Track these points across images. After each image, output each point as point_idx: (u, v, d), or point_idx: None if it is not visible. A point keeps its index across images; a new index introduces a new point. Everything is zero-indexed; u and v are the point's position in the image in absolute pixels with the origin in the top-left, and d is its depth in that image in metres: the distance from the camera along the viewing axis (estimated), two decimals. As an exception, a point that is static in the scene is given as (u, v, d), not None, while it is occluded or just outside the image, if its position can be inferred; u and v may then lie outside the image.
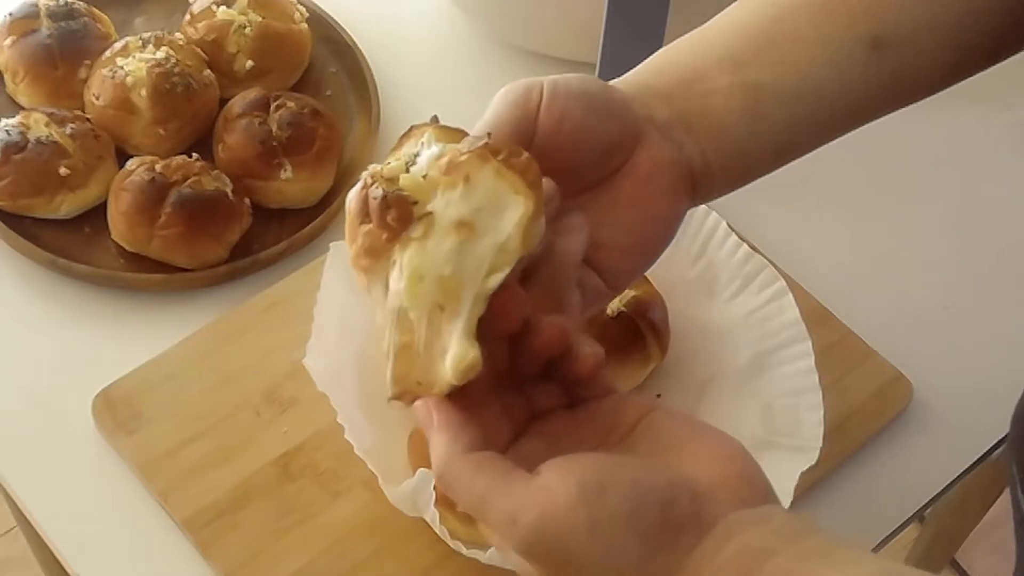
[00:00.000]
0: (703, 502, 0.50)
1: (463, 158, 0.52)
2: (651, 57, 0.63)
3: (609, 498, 0.49)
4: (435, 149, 0.53)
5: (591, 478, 0.50)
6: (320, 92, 0.99)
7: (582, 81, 0.58)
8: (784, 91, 0.61)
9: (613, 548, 0.49)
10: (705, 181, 0.61)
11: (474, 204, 0.51)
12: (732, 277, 0.85)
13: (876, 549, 0.82)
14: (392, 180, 0.53)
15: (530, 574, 0.52)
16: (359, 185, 0.54)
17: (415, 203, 0.52)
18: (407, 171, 0.53)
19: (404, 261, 0.52)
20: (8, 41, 0.95)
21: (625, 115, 0.59)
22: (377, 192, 0.52)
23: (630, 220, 0.60)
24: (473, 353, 0.51)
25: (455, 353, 0.52)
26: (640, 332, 0.82)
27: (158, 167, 0.88)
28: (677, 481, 0.51)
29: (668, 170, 0.59)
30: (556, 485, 0.50)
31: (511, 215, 0.52)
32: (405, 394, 0.54)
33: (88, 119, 0.92)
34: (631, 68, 0.87)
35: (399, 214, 0.52)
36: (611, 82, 0.60)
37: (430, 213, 0.52)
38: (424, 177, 0.52)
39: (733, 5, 0.65)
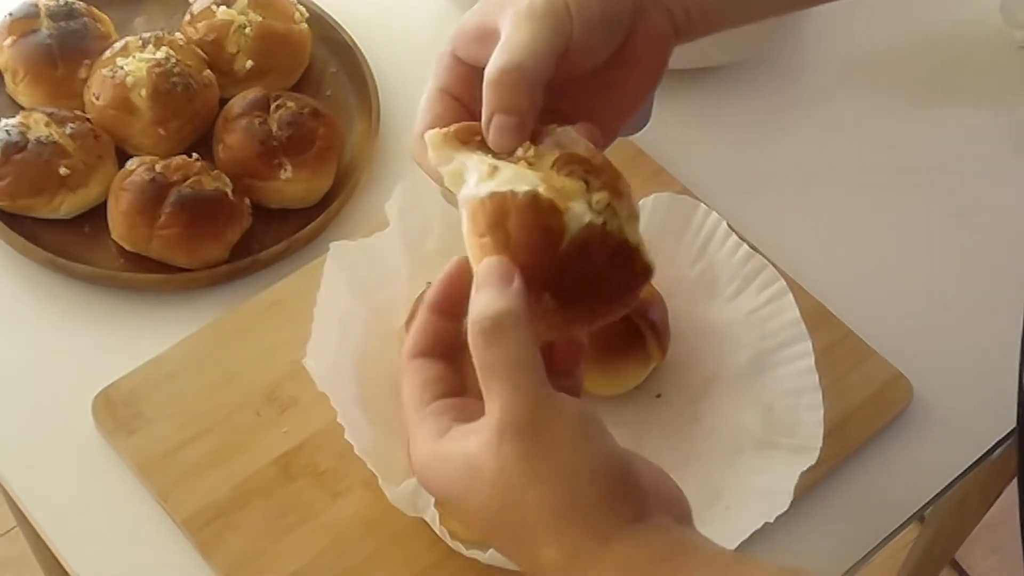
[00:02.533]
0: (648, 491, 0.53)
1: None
2: None
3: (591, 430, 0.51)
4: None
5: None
6: (320, 92, 0.99)
7: None
8: None
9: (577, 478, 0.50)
10: (685, 34, 0.62)
11: None
12: (732, 277, 0.85)
13: (876, 549, 0.82)
14: None
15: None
16: None
17: None
18: None
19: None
20: (8, 41, 0.95)
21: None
22: None
23: (632, 90, 0.62)
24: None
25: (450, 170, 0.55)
26: (640, 332, 0.82)
27: (158, 167, 0.88)
28: (637, 462, 0.53)
29: (664, 41, 0.61)
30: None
31: None
32: None
33: (88, 119, 0.92)
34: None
35: None
36: None
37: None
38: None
39: None
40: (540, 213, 0.52)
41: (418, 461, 0.54)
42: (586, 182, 0.54)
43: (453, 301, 0.55)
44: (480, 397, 0.52)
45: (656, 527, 0.51)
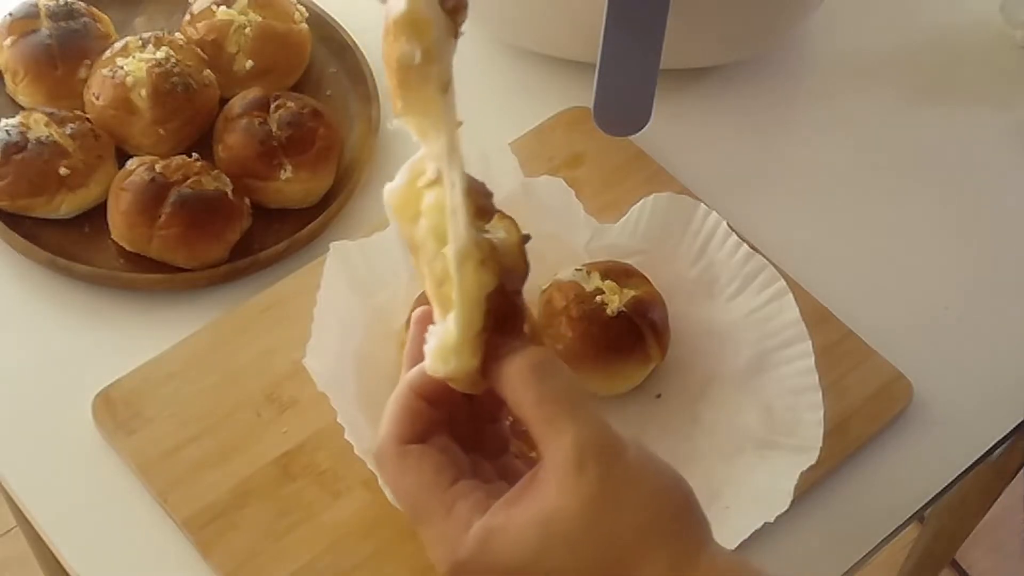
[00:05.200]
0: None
1: None
2: None
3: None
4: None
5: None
6: (320, 92, 0.99)
7: None
8: None
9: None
10: None
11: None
12: (732, 277, 0.85)
13: (876, 549, 0.82)
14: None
15: None
16: None
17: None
18: None
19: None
20: (8, 41, 0.95)
21: None
22: None
23: None
24: (452, 366, 0.51)
25: (434, 347, 0.52)
26: (640, 332, 0.82)
27: (158, 167, 0.88)
28: (687, 486, 0.52)
29: None
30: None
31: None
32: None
33: (88, 119, 0.92)
34: (631, 68, 0.87)
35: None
36: None
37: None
38: None
39: None
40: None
41: (459, 551, 0.50)
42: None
43: (439, 391, 0.53)
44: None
45: (725, 551, 0.52)
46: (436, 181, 0.51)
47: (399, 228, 0.53)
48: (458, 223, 0.50)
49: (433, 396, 0.53)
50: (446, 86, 0.51)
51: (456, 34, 0.51)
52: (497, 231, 0.52)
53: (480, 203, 0.51)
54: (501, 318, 0.51)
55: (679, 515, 0.51)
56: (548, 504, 0.49)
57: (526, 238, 0.53)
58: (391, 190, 0.53)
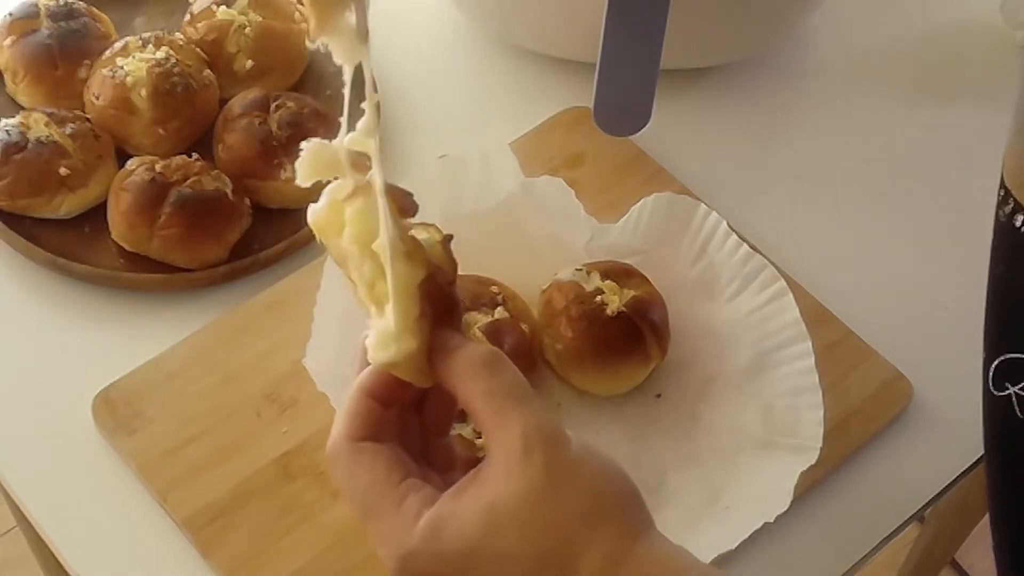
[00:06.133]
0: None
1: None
2: None
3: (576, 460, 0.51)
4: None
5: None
6: (320, 92, 0.99)
7: None
8: None
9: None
10: None
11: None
12: (732, 277, 0.85)
13: (876, 549, 0.82)
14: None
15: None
16: None
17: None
18: None
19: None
20: (8, 41, 0.95)
21: None
22: None
23: None
24: (392, 351, 0.52)
25: (374, 338, 0.53)
26: (640, 332, 0.82)
27: (158, 167, 0.88)
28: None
29: None
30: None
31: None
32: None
33: (88, 119, 0.92)
34: (631, 68, 0.87)
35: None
36: None
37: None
38: None
39: None
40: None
41: (407, 542, 0.51)
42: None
43: (388, 389, 0.54)
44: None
45: (666, 539, 0.52)
46: (355, 193, 0.54)
47: (327, 245, 0.55)
48: (384, 212, 0.52)
49: (384, 396, 0.54)
50: (364, 34, 0.53)
51: None
52: (420, 234, 0.54)
53: (400, 203, 0.53)
54: (439, 307, 0.53)
55: (622, 501, 0.52)
56: (495, 489, 0.50)
57: (448, 238, 0.55)
58: (314, 211, 0.55)
